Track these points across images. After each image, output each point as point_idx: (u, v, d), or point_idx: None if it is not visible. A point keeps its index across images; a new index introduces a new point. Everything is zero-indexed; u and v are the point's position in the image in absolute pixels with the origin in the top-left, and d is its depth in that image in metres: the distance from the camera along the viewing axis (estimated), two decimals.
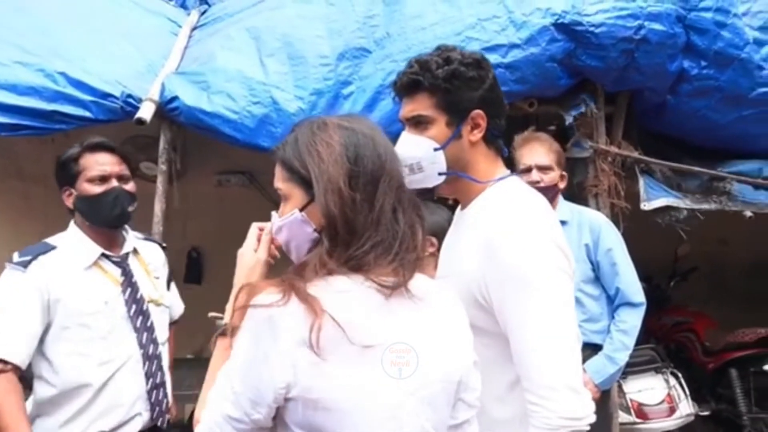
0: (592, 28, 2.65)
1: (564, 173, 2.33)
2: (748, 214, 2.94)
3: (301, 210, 1.03)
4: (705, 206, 2.93)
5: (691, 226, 2.99)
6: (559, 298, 1.21)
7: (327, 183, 0.98)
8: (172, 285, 2.21)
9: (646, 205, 2.87)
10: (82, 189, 1.87)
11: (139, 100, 2.71)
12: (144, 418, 1.89)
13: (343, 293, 0.96)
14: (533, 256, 1.21)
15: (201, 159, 3.89)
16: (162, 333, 1.99)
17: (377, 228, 0.98)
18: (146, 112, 2.64)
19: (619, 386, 3.07)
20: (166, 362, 2.00)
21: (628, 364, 3.10)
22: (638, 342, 3.32)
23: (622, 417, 3.02)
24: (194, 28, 3.47)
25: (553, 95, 2.86)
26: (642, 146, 3.02)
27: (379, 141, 1.05)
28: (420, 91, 1.31)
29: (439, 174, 1.33)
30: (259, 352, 0.94)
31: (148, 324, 1.92)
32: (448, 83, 1.29)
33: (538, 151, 2.27)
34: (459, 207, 1.46)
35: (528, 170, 2.27)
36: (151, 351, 1.91)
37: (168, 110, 2.73)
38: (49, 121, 2.65)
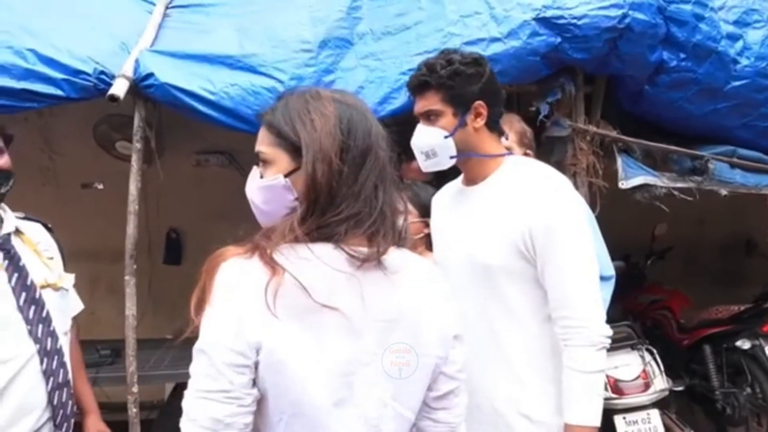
0: (574, 21, 2.65)
1: (528, 152, 2.32)
2: (724, 192, 2.98)
3: (285, 176, 1.03)
4: (682, 185, 2.97)
5: (668, 206, 3.03)
6: (589, 247, 1.52)
7: (318, 152, 0.99)
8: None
9: (624, 184, 2.89)
10: None
11: (113, 77, 2.63)
12: (49, 425, 1.64)
13: (308, 259, 0.96)
14: (572, 215, 1.51)
15: (179, 139, 3.84)
16: (62, 322, 1.72)
17: (356, 201, 0.99)
18: (119, 88, 2.57)
19: None
20: (68, 357, 1.72)
21: None
22: (615, 319, 3.40)
23: None
24: (169, 6, 3.39)
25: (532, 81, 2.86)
26: (622, 126, 3.03)
27: (370, 118, 1.07)
28: (429, 90, 1.56)
29: (450, 157, 1.58)
30: (226, 314, 0.94)
31: (44, 314, 1.64)
32: (452, 80, 1.53)
33: None
34: (461, 183, 1.71)
35: None
36: (49, 345, 1.63)
37: (142, 87, 2.65)
38: (19, 100, 2.55)
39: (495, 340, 1.57)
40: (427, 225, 1.97)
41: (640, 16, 2.65)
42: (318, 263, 0.96)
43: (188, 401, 0.96)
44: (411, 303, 1.05)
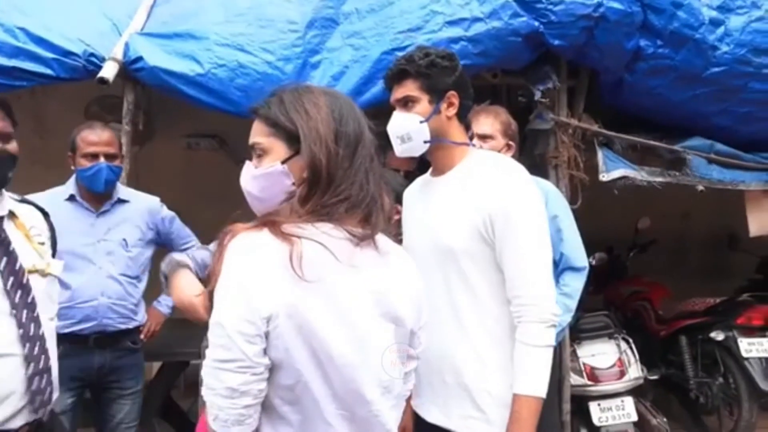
0: (551, 6, 2.69)
1: (511, 143, 2.36)
2: (700, 188, 3.04)
3: (283, 162, 1.10)
4: (660, 179, 3.02)
5: (653, 201, 3.08)
6: (544, 233, 1.62)
7: (316, 137, 1.08)
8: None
9: (605, 176, 2.94)
10: None
11: (103, 60, 2.67)
12: (26, 411, 1.60)
13: (314, 234, 1.03)
14: (529, 202, 1.61)
15: (170, 121, 3.86)
16: (48, 308, 1.70)
17: (352, 183, 1.08)
18: (109, 71, 2.61)
19: (573, 351, 3.20)
20: (52, 343, 1.69)
21: (583, 330, 3.27)
22: (595, 309, 3.48)
23: (575, 379, 3.16)
24: None
25: (517, 68, 2.89)
26: (604, 120, 3.08)
27: (357, 110, 1.16)
28: (407, 78, 1.67)
29: (424, 142, 1.68)
30: (239, 285, 0.99)
31: (29, 299, 1.63)
32: (429, 70, 1.65)
33: (482, 122, 2.36)
34: (429, 175, 1.81)
35: (471, 138, 2.32)
36: (32, 331, 1.61)
37: (132, 70, 2.70)
38: (9, 78, 2.60)
39: (459, 320, 1.64)
40: (398, 211, 2.03)
41: (615, 5, 2.68)
42: (325, 236, 1.04)
43: (206, 371, 1.01)
44: (399, 282, 1.15)
